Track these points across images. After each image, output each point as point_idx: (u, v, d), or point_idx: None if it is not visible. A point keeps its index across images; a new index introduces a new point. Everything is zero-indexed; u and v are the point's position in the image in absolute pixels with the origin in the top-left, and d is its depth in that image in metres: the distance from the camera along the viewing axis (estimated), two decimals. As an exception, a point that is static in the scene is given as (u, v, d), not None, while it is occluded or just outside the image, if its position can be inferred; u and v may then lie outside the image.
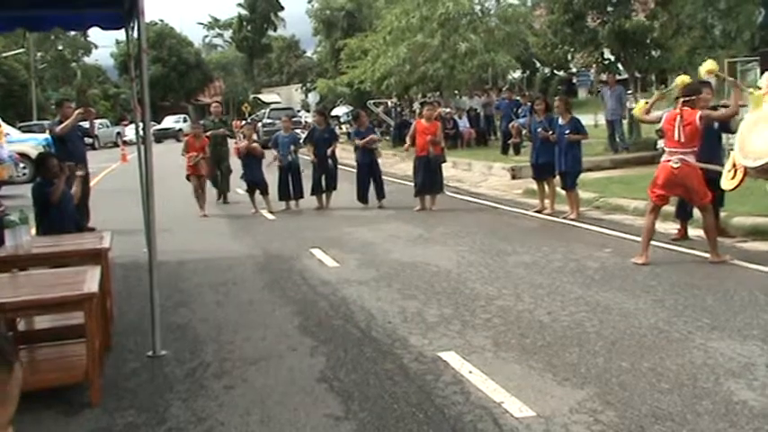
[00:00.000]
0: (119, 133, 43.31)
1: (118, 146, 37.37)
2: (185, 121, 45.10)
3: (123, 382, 5.11)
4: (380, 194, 13.30)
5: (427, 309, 6.50)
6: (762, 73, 8.40)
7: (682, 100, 7.74)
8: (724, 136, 9.14)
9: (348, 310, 6.65)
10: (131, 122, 31.37)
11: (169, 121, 48.67)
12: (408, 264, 8.44)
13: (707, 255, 7.77)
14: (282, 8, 69.55)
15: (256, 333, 6.10)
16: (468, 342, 5.54)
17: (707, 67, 7.85)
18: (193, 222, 12.82)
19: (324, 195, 13.55)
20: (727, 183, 7.71)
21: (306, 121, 34.23)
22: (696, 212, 8.38)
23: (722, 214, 8.76)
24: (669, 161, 7.65)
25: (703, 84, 8.40)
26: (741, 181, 7.55)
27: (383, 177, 13.74)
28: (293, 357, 5.45)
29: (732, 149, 7.79)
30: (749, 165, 7.27)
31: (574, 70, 50.11)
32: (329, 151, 13.39)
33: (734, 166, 7.59)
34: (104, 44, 75.31)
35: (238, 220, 12.87)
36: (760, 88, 7.70)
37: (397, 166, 20.01)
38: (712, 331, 5.47)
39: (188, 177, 13.52)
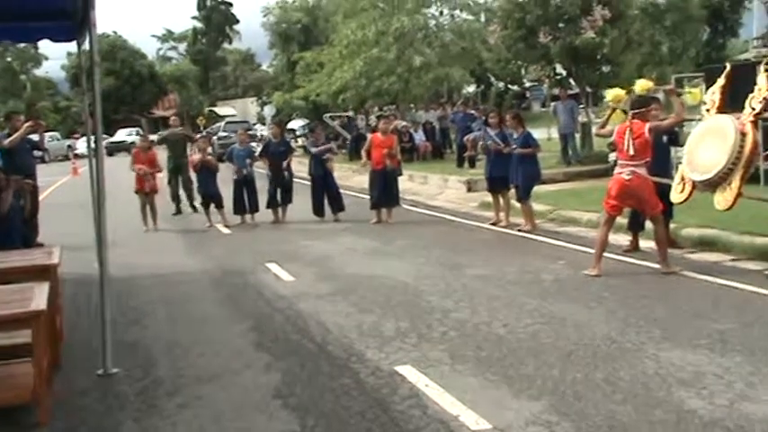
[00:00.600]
0: (70, 146, 42.58)
1: (69, 159, 36.68)
2: (138, 134, 44.48)
3: (73, 402, 4.98)
4: (336, 207, 13.27)
5: (384, 322, 6.49)
6: (707, 89, 8.61)
7: (632, 113, 7.90)
8: (672, 149, 9.34)
9: (304, 324, 6.61)
10: (83, 135, 30.87)
11: (122, 134, 47.96)
12: (365, 277, 8.42)
13: (658, 266, 7.92)
14: (238, 21, 69.24)
15: (210, 349, 6.01)
16: (425, 355, 5.54)
17: (642, 85, 8.05)
18: (146, 237, 12.63)
19: (280, 209, 13.48)
20: (676, 196, 7.87)
21: (261, 135, 34.09)
22: (648, 224, 8.54)
23: (672, 226, 8.93)
24: (621, 173, 7.80)
25: (652, 98, 8.60)
26: (690, 194, 7.72)
27: (340, 191, 13.71)
28: (248, 374, 5.39)
29: (681, 163, 7.97)
30: (697, 179, 7.43)
31: (527, 85, 50.87)
32: (285, 164, 13.34)
33: (683, 179, 7.76)
34: (55, 56, 74.05)
35: (192, 235, 12.72)
36: (705, 102, 7.90)
37: (353, 179, 20.00)
38: (663, 341, 5.56)
39: (136, 192, 13.34)
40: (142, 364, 5.72)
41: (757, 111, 7.29)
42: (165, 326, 6.91)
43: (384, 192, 12.66)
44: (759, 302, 6.52)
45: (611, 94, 8.40)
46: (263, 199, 13.41)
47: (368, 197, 13.17)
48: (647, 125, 7.75)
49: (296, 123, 40.47)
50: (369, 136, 15.03)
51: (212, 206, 13.33)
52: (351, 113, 30.89)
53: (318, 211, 13.35)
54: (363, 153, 13.13)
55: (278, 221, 13.40)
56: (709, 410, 4.28)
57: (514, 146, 11.00)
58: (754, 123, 7.34)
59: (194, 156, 13.64)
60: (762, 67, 7.91)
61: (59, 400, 4.92)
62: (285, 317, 6.91)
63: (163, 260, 10.31)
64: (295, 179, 13.89)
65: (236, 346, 6.07)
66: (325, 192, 13.32)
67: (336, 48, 26.77)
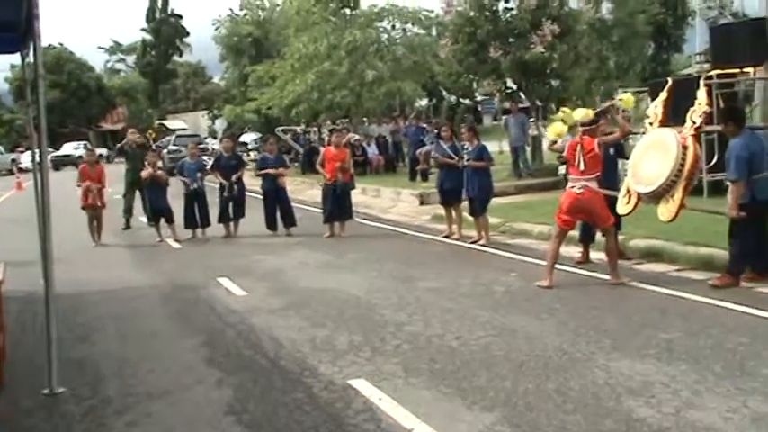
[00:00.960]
0: (14, 160, 41.64)
1: (13, 173, 35.84)
2: (86, 147, 43.72)
3: (17, 422, 4.85)
4: (288, 222, 13.19)
5: (337, 336, 6.47)
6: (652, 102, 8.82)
7: (582, 129, 8.03)
8: (620, 162, 9.54)
9: (257, 339, 6.55)
10: (27, 149, 30.18)
11: (69, 148, 47.07)
12: (318, 291, 8.39)
13: (608, 277, 8.05)
14: (188, 34, 68.53)
15: (161, 366, 5.92)
16: (379, 369, 5.53)
17: (581, 114, 8.21)
18: (94, 252, 12.40)
19: (231, 223, 13.35)
20: (622, 208, 8.03)
21: (213, 148, 33.78)
22: (599, 236, 8.69)
23: (620, 237, 9.10)
24: (573, 187, 7.94)
25: (601, 114, 8.80)
26: (635, 206, 7.89)
27: (292, 204, 13.64)
28: (199, 390, 5.31)
29: (627, 175, 8.13)
30: (641, 190, 7.61)
31: (479, 98, 51.43)
32: (235, 178, 13.23)
33: (628, 191, 7.92)
34: (-2, 68, 72.14)
35: (142, 250, 12.53)
36: (648, 116, 8.09)
37: (306, 192, 19.95)
38: (613, 351, 5.65)
39: (83, 208, 13.07)
40: (90, 382, 5.59)
41: (698, 124, 7.50)
42: (113, 342, 6.77)
43: (337, 205, 12.64)
44: (704, 312, 6.68)
45: (552, 129, 8.51)
46: (214, 213, 13.27)
47: (321, 211, 13.14)
48: (597, 140, 7.91)
49: (248, 137, 40.18)
50: (322, 150, 15.00)
51: (162, 221, 13.15)
52: (300, 128, 30.81)
53: (271, 225, 13.27)
54: (319, 167, 13.07)
55: (230, 236, 13.27)
56: (658, 419, 4.35)
57: (467, 158, 11.06)
58: (695, 137, 7.55)
59: (145, 170, 13.41)
60: (702, 82, 8.16)
61: (3, 421, 4.79)
62: (237, 332, 6.84)
63: (111, 275, 10.12)
64: (248, 193, 13.79)
65: (186, 362, 5.98)
66: (278, 206, 13.25)
67: (288, 61, 26.72)
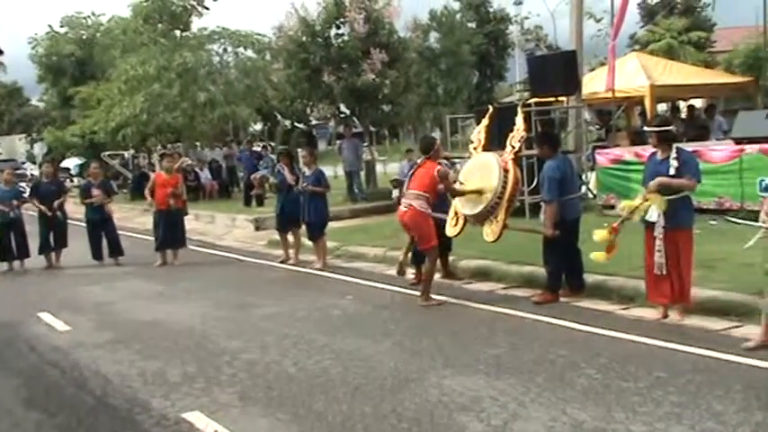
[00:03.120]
0: None
1: None
2: None
3: None
4: (115, 251, 12.62)
5: (170, 368, 6.24)
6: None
7: (424, 157, 8.23)
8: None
9: (81, 376, 6.18)
10: None
11: None
12: (149, 323, 8.06)
13: (442, 297, 8.29)
14: (2, 52, 64.00)
15: (-28, 412, 5.44)
16: (214, 400, 5.39)
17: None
18: None
19: (53, 253, 12.58)
20: (450, 229, 8.36)
21: (31, 174, 31.78)
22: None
23: (451, 258, 9.46)
24: (401, 205, 8.16)
25: (433, 138, 9.18)
26: (462, 228, 8.24)
27: (119, 232, 13.06)
28: (17, 436, 4.93)
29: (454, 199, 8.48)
30: (467, 212, 7.96)
31: (314, 123, 51.81)
32: (57, 204, 12.49)
33: (456, 214, 8.26)
34: None
35: (-50, 285, 11.49)
36: (472, 142, 8.51)
37: (136, 219, 19.17)
38: (445, 369, 5.84)
39: None
40: None
41: (517, 149, 7.99)
42: None
43: (169, 232, 12.24)
44: (527, 327, 7.05)
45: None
46: (33, 243, 12.44)
47: (152, 238, 12.67)
48: (437, 168, 8.01)
49: (71, 162, 38.05)
50: (152, 175, 14.50)
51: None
52: (128, 153, 29.63)
53: (96, 254, 12.62)
54: (147, 193, 12.62)
55: (51, 267, 12.51)
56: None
57: (304, 183, 11.09)
58: (516, 160, 8.03)
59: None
60: (520, 110, 8.71)
61: None
62: (60, 370, 6.43)
63: None
64: (70, 221, 13.04)
65: (2, 407, 5.53)
66: (104, 234, 12.63)
67: (115, 83, 25.64)
